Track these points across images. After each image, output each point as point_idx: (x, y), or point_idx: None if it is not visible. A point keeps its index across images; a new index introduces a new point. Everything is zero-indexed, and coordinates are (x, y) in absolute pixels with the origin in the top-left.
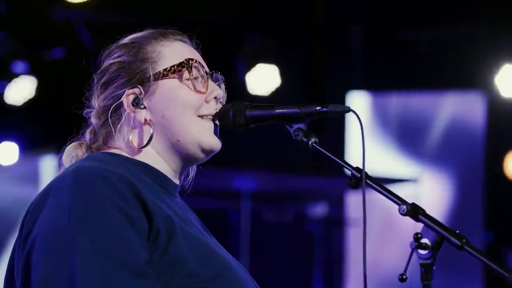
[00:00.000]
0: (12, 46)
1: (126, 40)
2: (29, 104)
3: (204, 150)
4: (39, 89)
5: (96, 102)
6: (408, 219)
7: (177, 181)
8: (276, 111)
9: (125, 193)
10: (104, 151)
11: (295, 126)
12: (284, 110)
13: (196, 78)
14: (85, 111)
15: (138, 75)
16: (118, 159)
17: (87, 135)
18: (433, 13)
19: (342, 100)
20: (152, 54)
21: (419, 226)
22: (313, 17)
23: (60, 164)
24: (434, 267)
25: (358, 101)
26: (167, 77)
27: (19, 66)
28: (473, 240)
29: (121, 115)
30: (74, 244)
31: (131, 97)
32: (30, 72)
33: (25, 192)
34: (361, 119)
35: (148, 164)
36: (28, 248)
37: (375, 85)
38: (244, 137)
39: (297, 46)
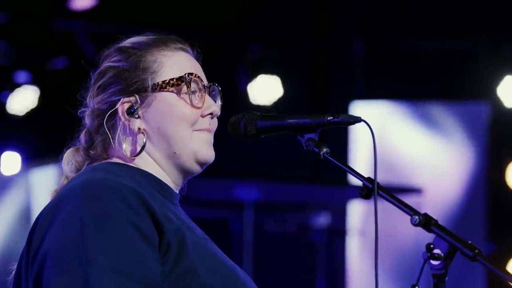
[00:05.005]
0: (14, 56)
1: (126, 43)
2: (32, 114)
3: (199, 162)
4: (41, 99)
5: (91, 102)
6: (408, 226)
7: (177, 191)
8: (288, 121)
9: (135, 206)
10: (108, 160)
11: (306, 136)
12: (296, 120)
13: (194, 92)
14: (79, 110)
15: (136, 84)
16: (122, 169)
17: (83, 137)
18: (435, 24)
19: (344, 111)
20: (153, 64)
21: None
22: (315, 27)
23: (61, 173)
24: (447, 278)
25: (361, 111)
26: (165, 89)
27: (21, 76)
28: None
29: (116, 122)
30: (87, 259)
31: (126, 105)
32: (32, 82)
33: (28, 202)
34: (372, 129)
35: (151, 174)
36: (38, 263)
37: (377, 95)
38: (246, 148)
39: (299, 56)
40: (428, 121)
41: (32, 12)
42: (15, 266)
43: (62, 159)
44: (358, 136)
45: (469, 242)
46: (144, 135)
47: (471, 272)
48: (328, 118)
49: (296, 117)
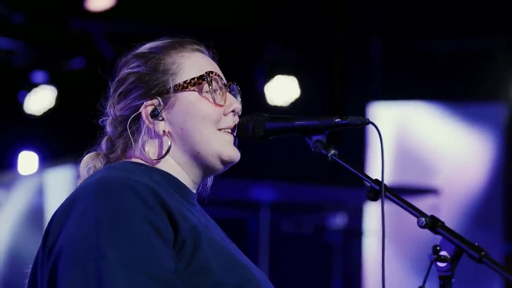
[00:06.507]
0: (31, 56)
1: (143, 49)
2: (49, 114)
3: (223, 162)
4: (58, 99)
5: (113, 110)
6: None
7: (194, 191)
8: (296, 123)
9: (150, 203)
10: (125, 160)
11: (314, 138)
12: (304, 122)
13: (215, 91)
14: (100, 119)
15: (158, 87)
16: (140, 168)
17: (104, 144)
18: (452, 25)
19: (361, 111)
20: (172, 66)
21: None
22: (333, 28)
23: (77, 176)
24: (453, 280)
25: (378, 112)
26: (186, 89)
27: (39, 76)
28: (492, 252)
29: (140, 126)
30: (101, 255)
31: (150, 109)
32: (49, 82)
33: (41, 202)
34: (380, 131)
35: (169, 173)
36: (53, 259)
37: (394, 96)
38: (263, 148)
39: (317, 57)
40: (445, 121)
41: (50, 12)
42: (30, 267)
43: (80, 163)
44: (375, 138)
45: (476, 244)
46: (169, 138)
47: (489, 274)
48: (336, 120)
49: (304, 119)
